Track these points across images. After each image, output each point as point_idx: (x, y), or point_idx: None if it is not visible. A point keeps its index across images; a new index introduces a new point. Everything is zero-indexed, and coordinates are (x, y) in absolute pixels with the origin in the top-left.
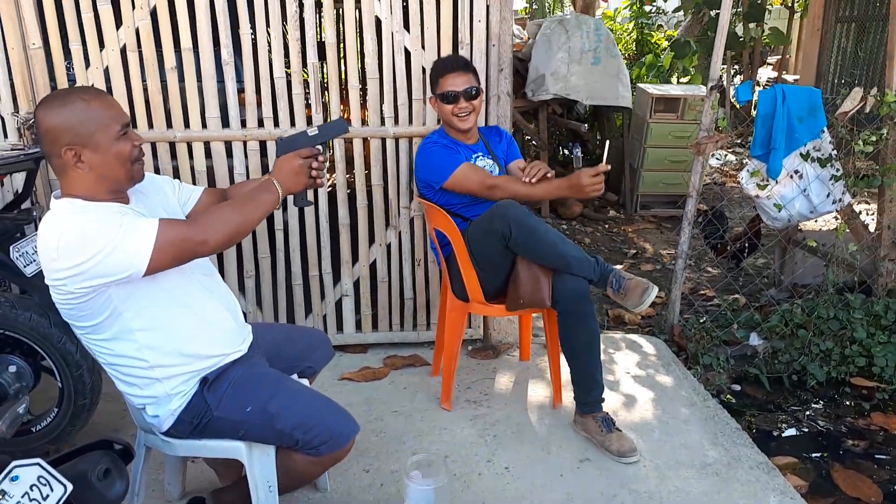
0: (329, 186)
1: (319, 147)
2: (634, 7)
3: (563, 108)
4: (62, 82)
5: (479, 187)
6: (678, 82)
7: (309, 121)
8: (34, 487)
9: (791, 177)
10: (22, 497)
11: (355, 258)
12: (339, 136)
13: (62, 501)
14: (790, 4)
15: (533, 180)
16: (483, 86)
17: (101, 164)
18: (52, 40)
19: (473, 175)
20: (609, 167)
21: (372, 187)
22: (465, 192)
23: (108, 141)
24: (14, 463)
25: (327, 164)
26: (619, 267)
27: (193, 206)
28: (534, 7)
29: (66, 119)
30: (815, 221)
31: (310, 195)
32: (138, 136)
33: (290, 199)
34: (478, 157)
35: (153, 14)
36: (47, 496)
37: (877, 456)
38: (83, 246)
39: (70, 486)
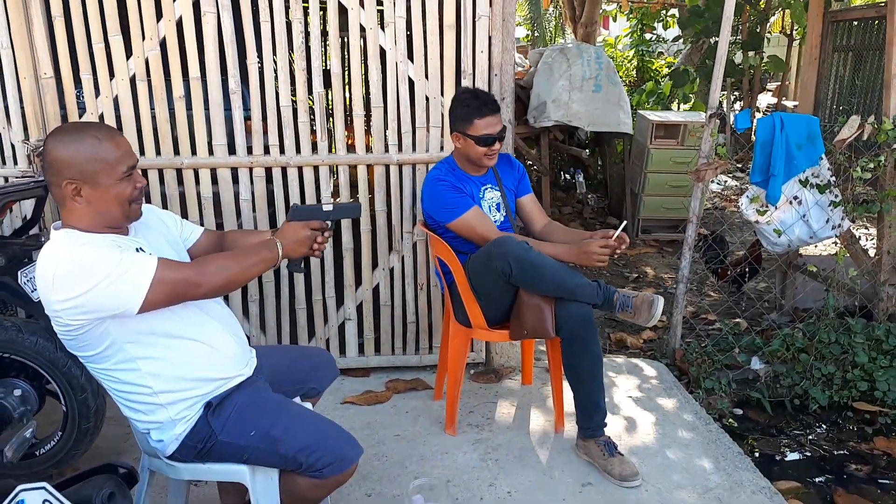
0: None
1: (329, 223)
2: (635, 35)
3: (564, 135)
4: (72, 111)
5: (482, 239)
6: (679, 109)
7: (314, 147)
8: None
9: (790, 203)
10: None
11: (358, 282)
12: (352, 218)
13: None
14: (789, 32)
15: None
16: None
17: (99, 202)
18: (63, 69)
19: (478, 226)
20: (622, 245)
21: (376, 213)
22: (466, 238)
23: (110, 181)
24: (20, 487)
25: (329, 239)
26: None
27: (193, 244)
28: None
29: (74, 154)
30: (815, 246)
31: (303, 264)
32: (142, 178)
33: (284, 261)
34: (486, 188)
35: (163, 44)
36: None
37: (880, 481)
38: (79, 278)
39: None
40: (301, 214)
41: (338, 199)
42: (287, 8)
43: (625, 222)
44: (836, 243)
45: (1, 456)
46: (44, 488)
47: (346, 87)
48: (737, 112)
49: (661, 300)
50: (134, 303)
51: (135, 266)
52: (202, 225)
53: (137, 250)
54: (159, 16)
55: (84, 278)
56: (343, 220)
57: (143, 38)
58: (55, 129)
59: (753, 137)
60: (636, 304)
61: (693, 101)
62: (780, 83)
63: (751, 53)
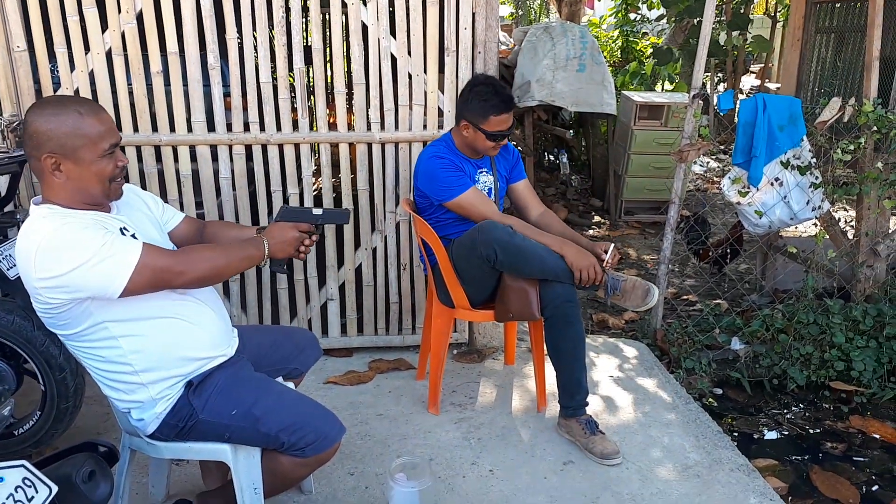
0: (315, 190)
1: (317, 227)
2: (619, 15)
3: (548, 115)
4: (46, 85)
5: (480, 218)
6: (663, 90)
7: (294, 125)
8: (19, 489)
9: (772, 184)
10: (7, 499)
11: (341, 262)
12: (340, 224)
13: (47, 503)
14: (773, 14)
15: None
16: None
17: (79, 178)
18: (36, 43)
19: (478, 206)
20: (609, 265)
21: (358, 192)
22: (464, 217)
23: (91, 157)
24: None
25: (314, 243)
26: None
27: (173, 229)
28: (519, 13)
29: (56, 127)
30: (796, 228)
31: (285, 265)
32: (123, 157)
33: (267, 261)
34: (481, 172)
35: (139, 18)
36: (32, 497)
37: (855, 458)
38: (62, 257)
39: (55, 488)
40: (290, 215)
41: (320, 180)
42: None
43: (613, 245)
44: (815, 225)
45: None
46: (23, 466)
47: (328, 63)
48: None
49: (656, 290)
50: (116, 286)
51: (120, 250)
52: (181, 204)
53: (122, 231)
54: None
55: (67, 257)
56: (324, 200)
57: (119, 11)
58: (37, 101)
59: (736, 119)
60: (625, 287)
61: (677, 81)
62: (763, 65)
63: (735, 34)
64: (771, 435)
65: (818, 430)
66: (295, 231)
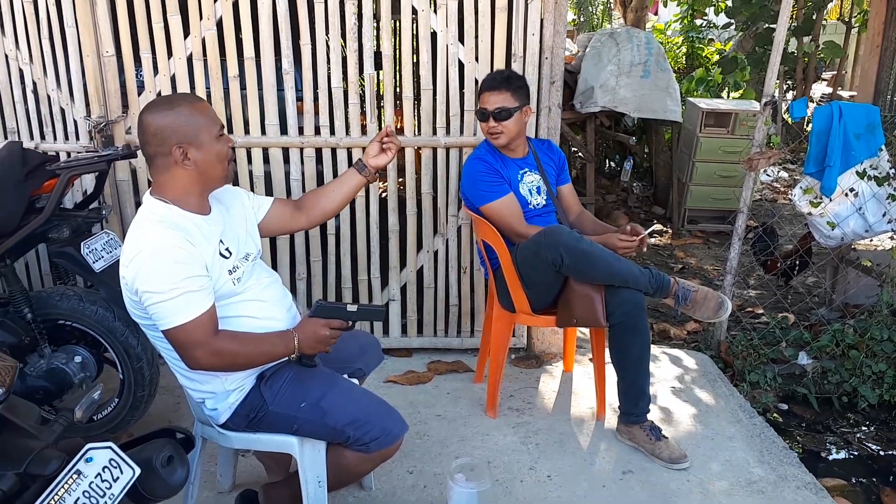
0: (381, 193)
1: (350, 324)
2: (685, 21)
3: (610, 121)
4: (131, 88)
5: (509, 228)
6: (729, 97)
7: (363, 129)
8: (106, 469)
9: (846, 195)
10: (94, 478)
11: (403, 264)
12: (373, 321)
13: (129, 484)
14: (847, 19)
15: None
16: (534, 99)
17: (205, 162)
18: (124, 48)
19: (507, 215)
20: (643, 247)
21: (422, 195)
22: (494, 224)
23: (210, 140)
24: (89, 445)
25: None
26: None
27: (264, 217)
28: (581, 19)
29: (175, 120)
30: (870, 241)
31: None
32: (231, 139)
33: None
34: (524, 172)
35: (219, 24)
36: (117, 478)
37: None
38: (145, 279)
39: (138, 470)
40: (323, 312)
41: (385, 184)
42: None
43: (655, 227)
44: (892, 238)
45: (70, 415)
46: (110, 448)
47: (397, 69)
48: (789, 101)
49: (729, 303)
50: (161, 324)
51: (184, 304)
52: None
53: (220, 242)
54: None
55: (147, 282)
56: (389, 203)
57: (201, 18)
58: (145, 106)
59: (808, 127)
60: (696, 297)
61: (744, 89)
62: (835, 72)
63: (806, 40)
64: (840, 454)
65: (890, 452)
66: (327, 329)
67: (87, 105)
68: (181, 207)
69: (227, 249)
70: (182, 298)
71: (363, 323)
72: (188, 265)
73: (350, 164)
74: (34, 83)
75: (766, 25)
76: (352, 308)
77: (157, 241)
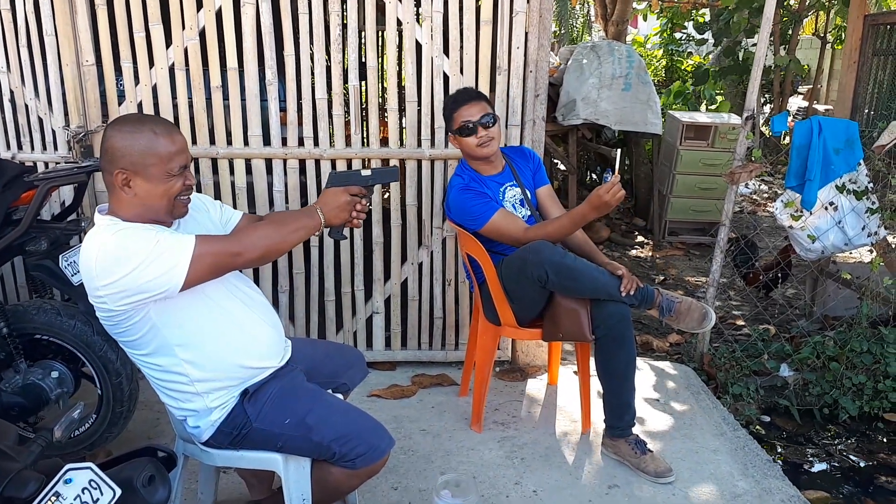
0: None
1: (369, 188)
2: (665, 34)
3: (592, 133)
4: (111, 98)
5: (511, 240)
6: (707, 110)
7: (347, 140)
8: (86, 490)
9: (826, 208)
10: (74, 499)
11: (387, 276)
12: (391, 183)
13: None
14: (822, 35)
15: (631, 291)
16: (518, 112)
17: (147, 195)
18: (104, 58)
19: (505, 228)
20: (618, 176)
21: (406, 207)
22: (496, 241)
23: (161, 176)
24: (68, 466)
25: (370, 206)
26: None
27: (233, 229)
28: (562, 32)
29: (130, 145)
30: (850, 254)
31: (345, 230)
32: (192, 177)
33: (326, 229)
34: (506, 187)
35: (202, 34)
36: (97, 500)
37: None
38: (121, 261)
39: (119, 491)
40: (340, 180)
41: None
42: (325, 1)
43: (614, 171)
44: (871, 251)
45: (49, 434)
46: (90, 468)
47: (381, 81)
48: (766, 114)
49: (713, 314)
50: (177, 278)
51: (174, 243)
52: None
53: None
54: (199, 6)
55: (125, 261)
56: (373, 214)
57: (183, 28)
58: (117, 118)
59: (787, 141)
60: (680, 308)
61: (720, 101)
62: (811, 86)
63: (782, 53)
64: (821, 466)
65: (871, 463)
66: (346, 195)
67: (66, 115)
68: (135, 222)
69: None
70: (165, 243)
71: (348, 336)
72: (147, 230)
73: None
74: (11, 92)
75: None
76: (366, 173)
77: (109, 238)
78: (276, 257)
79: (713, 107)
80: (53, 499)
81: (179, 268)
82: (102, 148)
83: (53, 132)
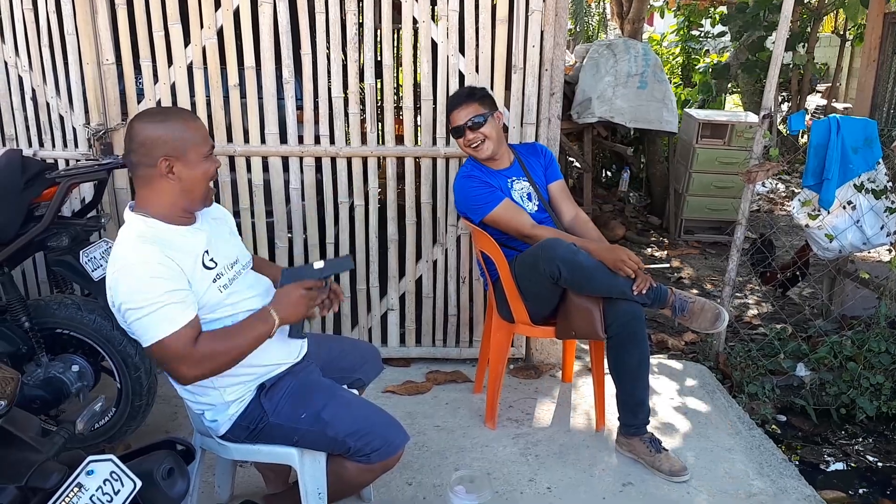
0: (379, 203)
1: (324, 281)
2: (682, 32)
3: (607, 131)
4: (130, 96)
5: (516, 232)
6: (724, 103)
7: (363, 138)
8: (107, 482)
9: (844, 207)
10: (96, 491)
11: (402, 273)
12: (344, 272)
13: (131, 497)
14: (841, 32)
15: (643, 290)
16: (533, 111)
17: (189, 179)
18: (124, 57)
19: (510, 219)
20: (647, 276)
21: (421, 205)
22: (502, 231)
23: (197, 158)
24: (90, 458)
25: (333, 297)
26: None
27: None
28: (577, 30)
29: (166, 132)
30: (868, 253)
31: (306, 326)
32: (218, 160)
33: (286, 329)
34: (513, 181)
35: (220, 33)
36: (118, 491)
37: None
38: (120, 295)
39: (139, 483)
40: (292, 277)
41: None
42: (342, 0)
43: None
44: (889, 250)
45: (72, 427)
46: (111, 460)
47: (397, 79)
48: (783, 113)
49: (727, 314)
50: (143, 341)
51: (168, 315)
52: (252, 212)
53: (204, 254)
54: (217, 5)
55: (126, 298)
56: (388, 212)
57: (202, 27)
58: (137, 113)
59: (805, 140)
60: (693, 308)
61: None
62: (830, 84)
63: (801, 51)
64: (838, 466)
65: (889, 464)
66: (300, 290)
67: (87, 113)
68: (163, 221)
69: (211, 260)
70: (160, 313)
71: (363, 333)
72: (166, 280)
73: (349, 173)
74: (33, 90)
75: (759, 34)
76: (319, 265)
77: (133, 258)
78: (231, 367)
79: (732, 100)
80: (76, 490)
81: (150, 336)
82: (135, 142)
83: (74, 130)
